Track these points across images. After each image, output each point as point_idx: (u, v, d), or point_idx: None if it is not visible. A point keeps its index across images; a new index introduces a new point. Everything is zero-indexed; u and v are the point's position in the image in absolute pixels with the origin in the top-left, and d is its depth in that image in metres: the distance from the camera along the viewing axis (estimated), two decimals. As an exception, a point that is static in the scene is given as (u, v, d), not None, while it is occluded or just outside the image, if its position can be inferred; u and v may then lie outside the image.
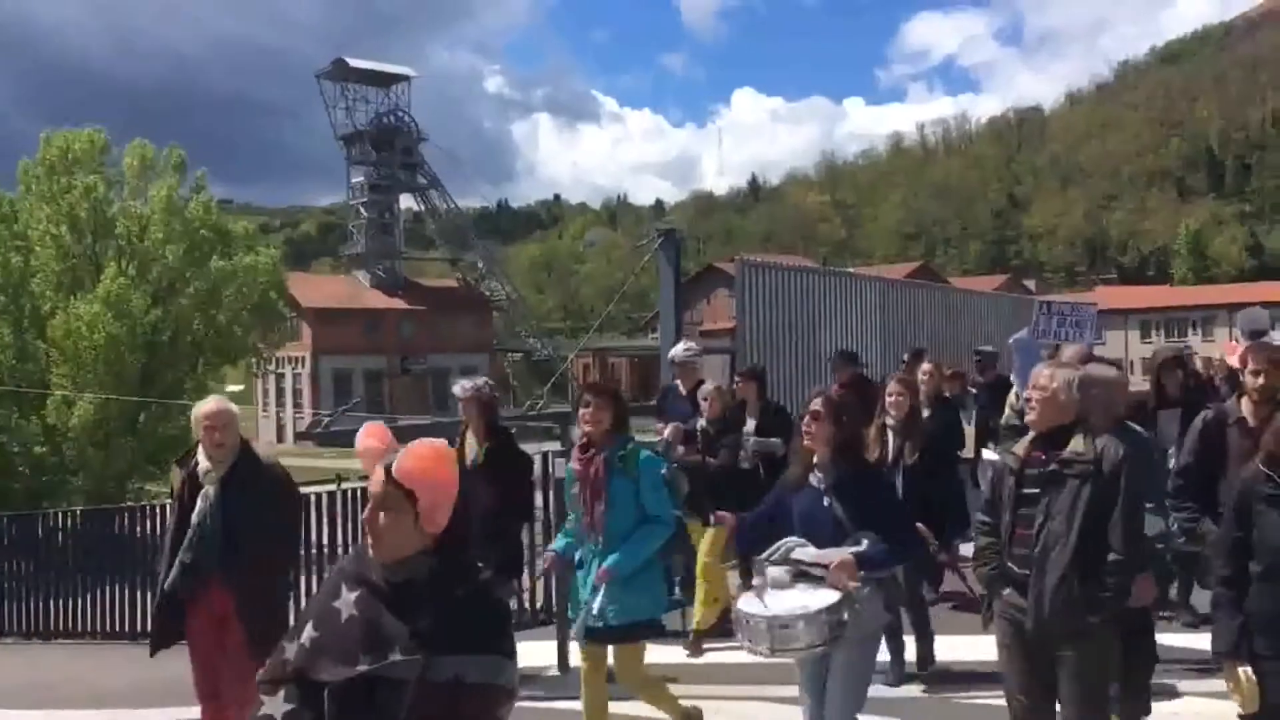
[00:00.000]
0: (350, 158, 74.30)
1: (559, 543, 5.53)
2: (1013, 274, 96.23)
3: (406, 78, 76.84)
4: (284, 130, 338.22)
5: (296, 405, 67.51)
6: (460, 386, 6.81)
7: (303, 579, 9.58)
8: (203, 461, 5.15)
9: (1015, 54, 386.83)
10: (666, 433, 7.93)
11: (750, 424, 8.10)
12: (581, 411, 5.25)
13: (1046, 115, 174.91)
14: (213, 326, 31.61)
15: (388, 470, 2.45)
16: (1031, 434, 4.24)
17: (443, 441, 2.53)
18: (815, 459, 4.56)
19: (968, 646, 6.50)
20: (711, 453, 7.64)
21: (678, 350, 8.77)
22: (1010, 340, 10.49)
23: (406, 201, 76.78)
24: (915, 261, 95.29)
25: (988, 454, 8.71)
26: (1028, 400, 4.37)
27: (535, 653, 7.46)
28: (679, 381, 8.63)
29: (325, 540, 9.78)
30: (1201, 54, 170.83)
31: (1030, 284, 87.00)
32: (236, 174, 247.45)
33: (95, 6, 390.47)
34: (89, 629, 11.86)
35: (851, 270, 22.44)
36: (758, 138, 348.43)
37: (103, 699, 8.56)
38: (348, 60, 74.54)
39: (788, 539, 4.38)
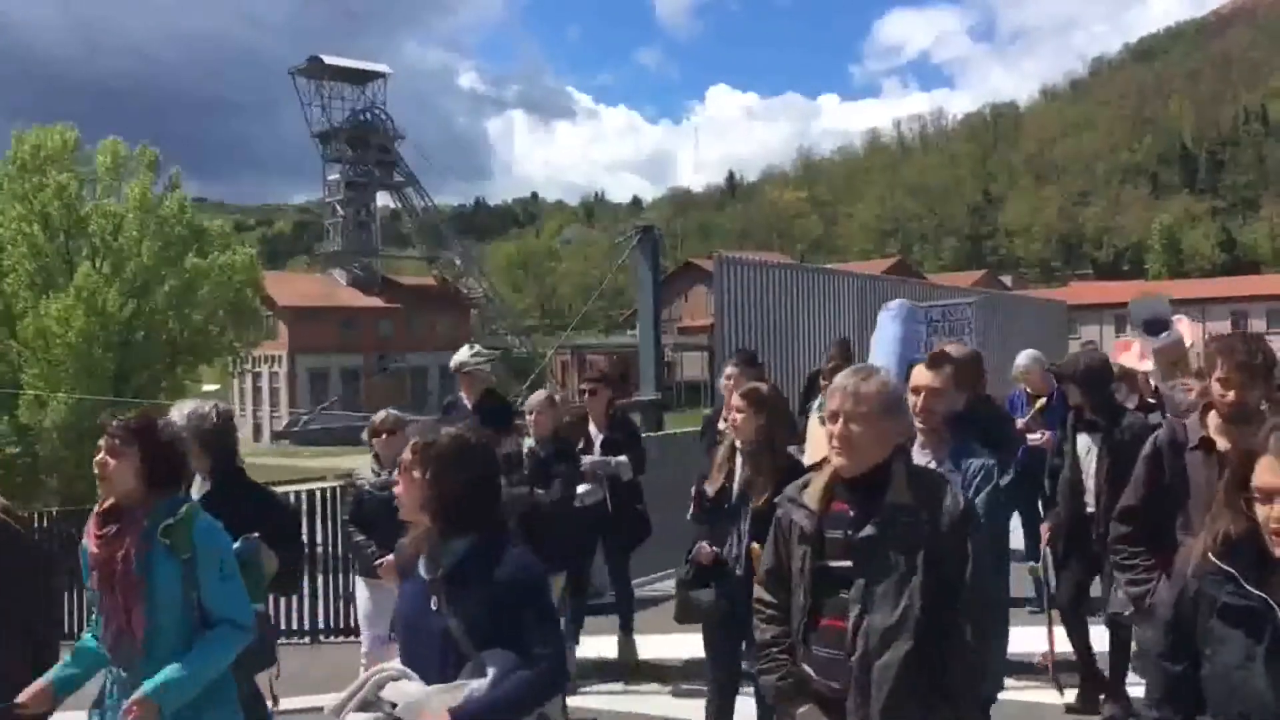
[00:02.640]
0: (326, 155, 73.96)
1: (59, 671, 3.64)
2: (989, 270, 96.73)
3: (382, 75, 76.60)
4: (256, 128, 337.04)
5: (273, 404, 67.16)
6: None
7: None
8: None
9: (988, 50, 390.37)
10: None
11: (597, 446, 6.89)
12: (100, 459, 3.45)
13: (1021, 112, 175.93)
14: (188, 325, 31.47)
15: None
16: (825, 478, 2.96)
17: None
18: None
19: None
20: (543, 483, 6.18)
21: (462, 354, 7.06)
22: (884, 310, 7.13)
23: (383, 199, 76.60)
24: (892, 258, 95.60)
25: None
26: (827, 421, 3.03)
27: None
28: (463, 394, 7.05)
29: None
30: (1174, 51, 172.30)
31: (1007, 280, 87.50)
32: (208, 171, 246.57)
33: (61, 2, 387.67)
34: (63, 631, 11.75)
35: (829, 267, 22.52)
36: (733, 134, 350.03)
37: (76, 700, 8.47)
38: (323, 57, 74.18)
39: (385, 666, 2.85)
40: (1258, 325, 64.70)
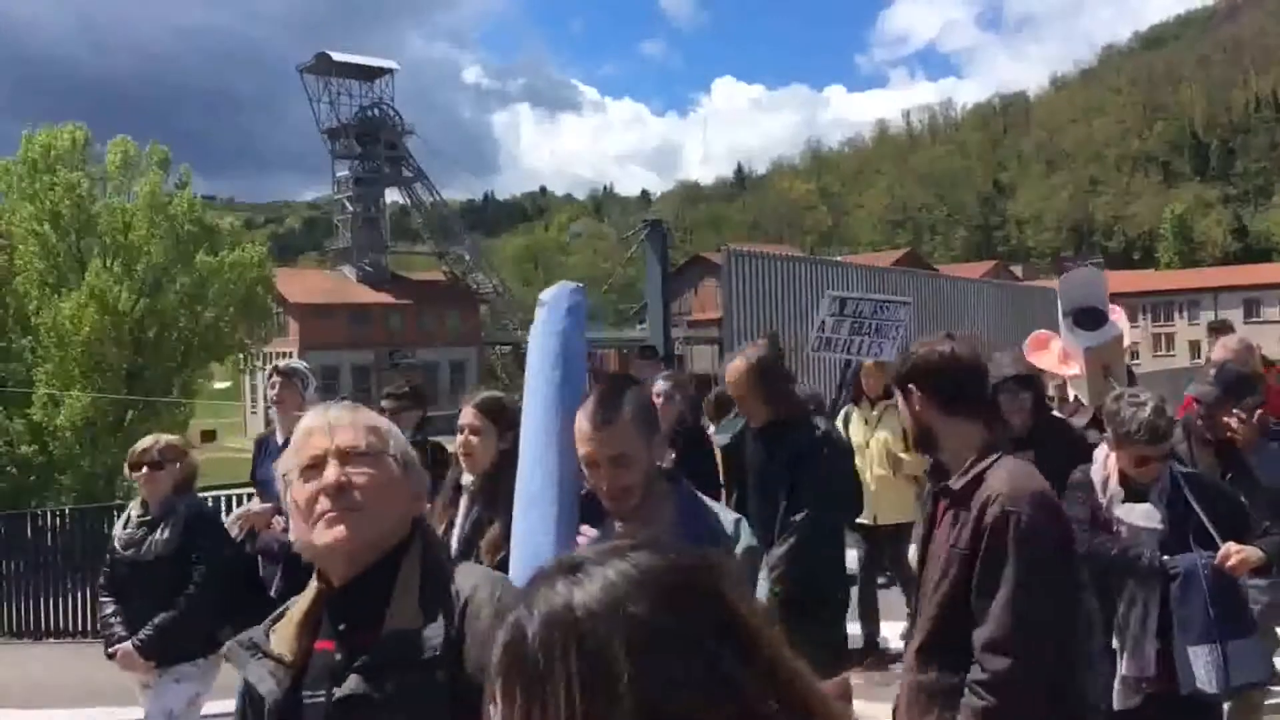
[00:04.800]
0: (334, 152, 74.02)
1: None
2: (1000, 260, 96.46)
3: (390, 70, 76.60)
4: (263, 125, 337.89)
5: (284, 401, 67.26)
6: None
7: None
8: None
9: (995, 38, 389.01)
10: (251, 507, 5.39)
11: None
12: None
13: (1031, 101, 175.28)
14: (199, 323, 31.54)
15: None
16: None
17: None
18: None
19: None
20: None
21: (283, 365, 5.67)
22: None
23: (392, 195, 76.64)
24: (902, 249, 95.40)
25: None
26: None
27: None
28: (276, 425, 5.66)
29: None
30: (1185, 37, 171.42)
31: (1017, 270, 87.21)
32: (216, 169, 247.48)
33: (67, 1, 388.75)
34: (78, 628, 11.84)
35: (839, 259, 22.47)
36: (740, 126, 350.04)
37: (92, 697, 8.54)
38: (330, 54, 74.25)
39: None
40: (1270, 313, 64.50)
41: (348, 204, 73.61)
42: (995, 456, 2.69)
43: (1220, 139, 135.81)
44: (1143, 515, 3.58)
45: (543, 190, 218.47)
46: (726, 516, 2.55)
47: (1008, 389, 4.68)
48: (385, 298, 70.45)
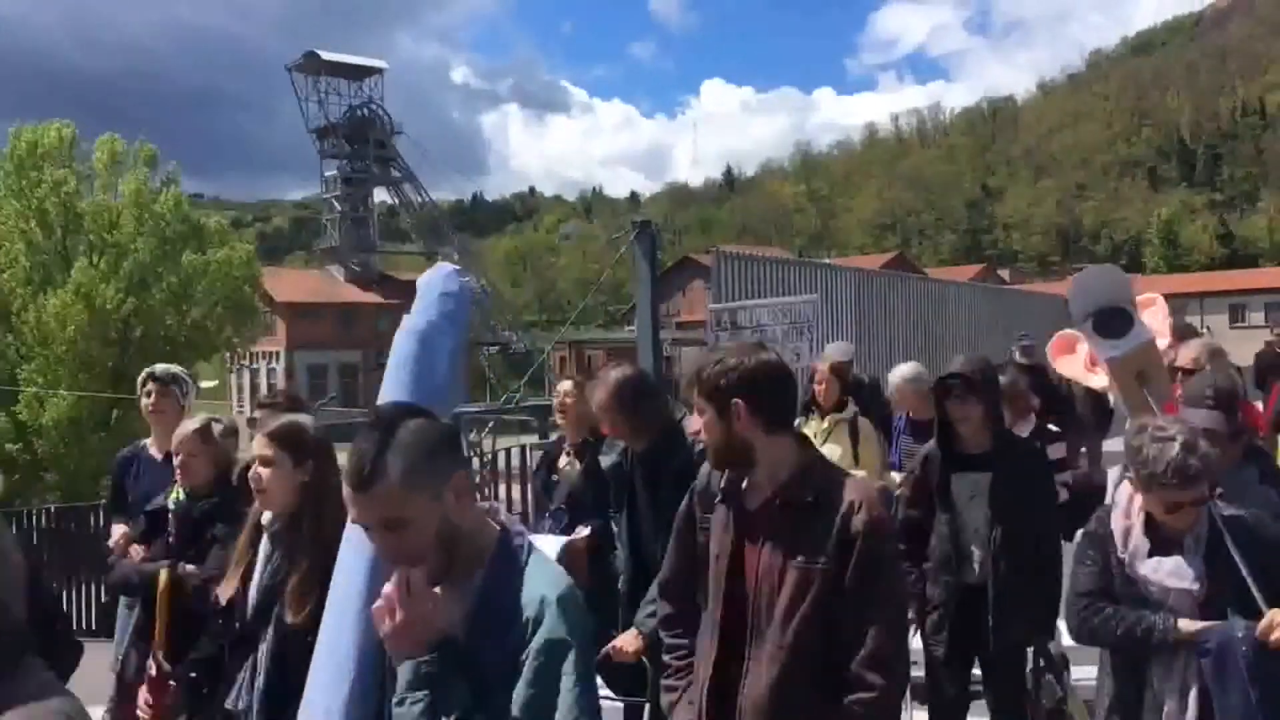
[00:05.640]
0: (323, 151, 73.91)
1: None
2: (988, 264, 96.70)
3: (379, 70, 76.48)
4: (252, 124, 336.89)
5: (271, 400, 67.08)
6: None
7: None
8: None
9: (984, 43, 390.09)
10: (114, 538, 4.77)
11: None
12: None
13: (1019, 105, 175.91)
14: (186, 321, 31.42)
15: None
16: None
17: None
18: None
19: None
20: (193, 551, 4.08)
21: (160, 372, 5.12)
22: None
23: (380, 195, 76.62)
24: (891, 252, 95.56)
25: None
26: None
27: None
28: (153, 437, 5.08)
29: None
30: (1172, 44, 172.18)
31: (1005, 274, 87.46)
32: (203, 167, 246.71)
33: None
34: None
35: (828, 261, 22.52)
36: (729, 128, 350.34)
37: (82, 698, 8.49)
38: (320, 53, 74.07)
39: None
40: (1256, 318, 64.75)
41: (336, 203, 73.49)
42: (815, 466, 2.60)
43: (1207, 145, 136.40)
44: (1173, 571, 2.95)
45: (532, 191, 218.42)
46: (547, 591, 1.94)
47: (954, 391, 4.16)
48: (373, 297, 70.31)
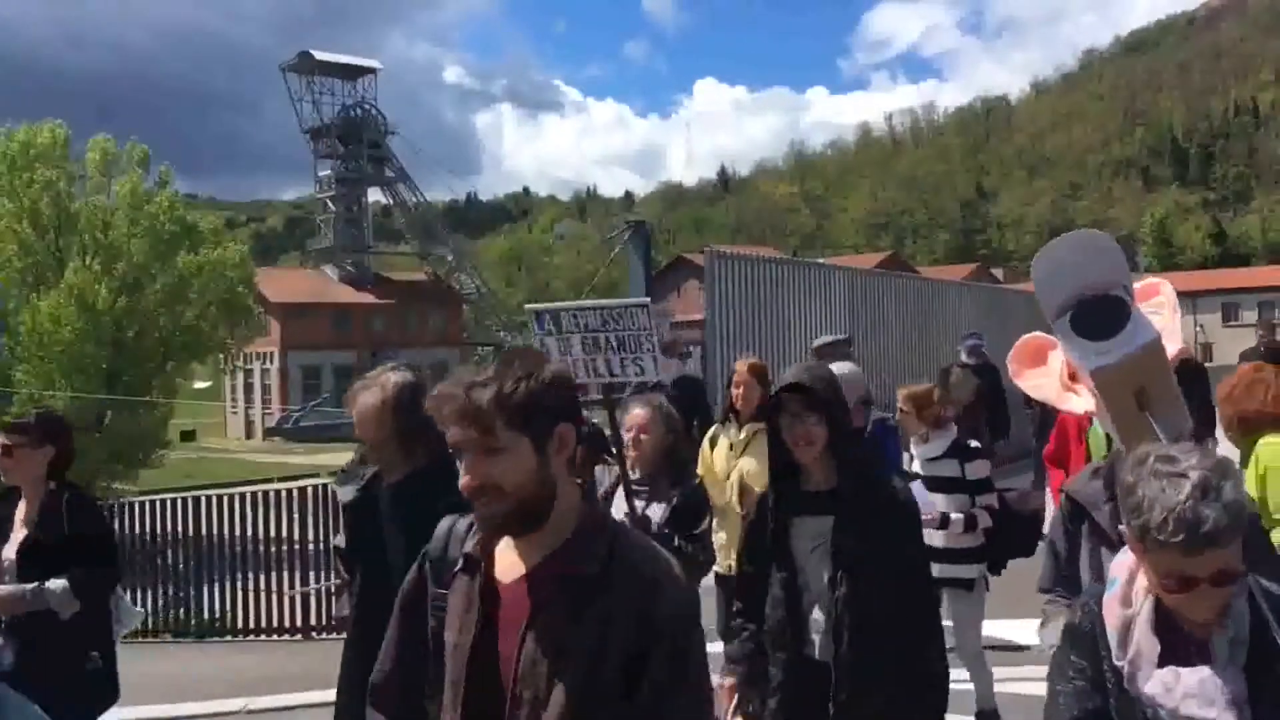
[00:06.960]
0: (317, 151, 73.89)
1: None
2: (981, 263, 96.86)
3: (373, 70, 76.51)
4: (245, 123, 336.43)
5: (265, 401, 67.04)
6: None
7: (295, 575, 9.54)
8: None
9: (977, 43, 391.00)
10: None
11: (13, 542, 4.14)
12: None
13: (1012, 105, 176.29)
14: (180, 322, 31.32)
15: None
16: None
17: None
18: None
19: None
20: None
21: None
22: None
23: (374, 195, 76.57)
24: (884, 252, 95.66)
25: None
26: None
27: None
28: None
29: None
30: (1165, 44, 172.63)
31: (998, 273, 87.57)
32: (196, 167, 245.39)
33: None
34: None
35: (820, 261, 22.55)
36: (722, 128, 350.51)
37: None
38: (313, 53, 74.05)
39: None
40: (1248, 317, 64.83)
41: (330, 204, 73.45)
42: (602, 524, 1.87)
43: (1199, 144, 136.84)
44: (1196, 692, 1.82)
45: (526, 191, 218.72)
46: None
47: (789, 409, 3.04)
48: (367, 298, 70.29)
